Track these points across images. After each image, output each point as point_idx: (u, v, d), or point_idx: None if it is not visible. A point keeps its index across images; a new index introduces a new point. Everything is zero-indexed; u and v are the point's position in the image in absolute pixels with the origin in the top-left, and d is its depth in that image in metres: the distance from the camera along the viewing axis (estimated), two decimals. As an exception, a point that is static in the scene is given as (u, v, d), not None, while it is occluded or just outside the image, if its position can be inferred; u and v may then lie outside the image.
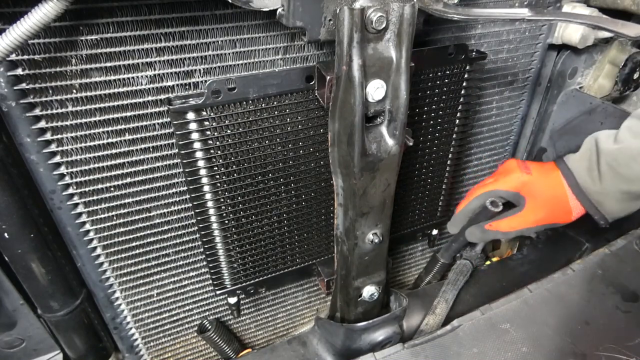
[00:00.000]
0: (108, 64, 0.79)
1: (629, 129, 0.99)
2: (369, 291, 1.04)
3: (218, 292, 1.13)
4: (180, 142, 0.87)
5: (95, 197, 0.93)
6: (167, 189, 0.99)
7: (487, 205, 1.11)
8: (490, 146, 1.43)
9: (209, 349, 1.36)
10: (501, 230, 1.11)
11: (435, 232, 1.41)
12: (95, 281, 1.06)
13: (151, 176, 0.96)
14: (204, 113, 0.85)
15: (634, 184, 1.00)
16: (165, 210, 1.02)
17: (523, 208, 1.09)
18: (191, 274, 1.16)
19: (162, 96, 0.87)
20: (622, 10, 1.16)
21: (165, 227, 1.05)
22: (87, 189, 0.91)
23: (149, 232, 1.03)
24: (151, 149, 0.92)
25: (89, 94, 0.81)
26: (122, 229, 1.00)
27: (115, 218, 0.98)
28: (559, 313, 0.94)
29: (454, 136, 1.19)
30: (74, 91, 0.80)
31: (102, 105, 0.83)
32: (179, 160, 0.94)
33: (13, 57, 0.72)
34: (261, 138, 0.93)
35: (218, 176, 0.94)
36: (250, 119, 0.90)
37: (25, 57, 0.73)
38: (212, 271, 1.09)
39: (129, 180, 0.94)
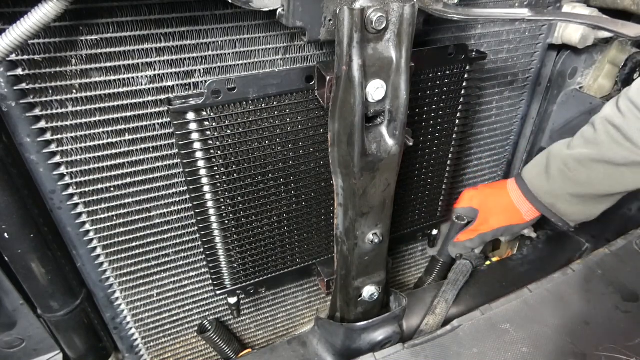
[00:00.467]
0: (108, 64, 0.79)
1: (581, 135, 1.09)
2: (369, 291, 1.04)
3: (218, 292, 1.13)
4: (180, 142, 0.87)
5: (95, 197, 0.93)
6: (167, 189, 0.99)
7: (454, 220, 1.34)
8: (490, 146, 1.43)
9: (209, 349, 1.36)
10: (461, 240, 1.33)
11: (435, 232, 1.41)
12: (95, 281, 1.06)
13: (151, 176, 0.96)
14: (204, 113, 0.85)
15: (583, 187, 1.10)
16: (165, 210, 1.02)
17: (476, 219, 1.31)
18: (191, 274, 1.16)
19: (162, 96, 0.87)
20: (622, 10, 1.16)
21: (165, 227, 1.05)
22: (87, 189, 0.91)
23: (149, 232, 1.03)
24: (151, 149, 0.92)
25: (89, 94, 0.81)
26: (122, 229, 1.00)
27: (115, 218, 0.98)
28: (559, 313, 0.94)
29: (454, 136, 1.19)
30: (74, 91, 0.80)
31: (102, 105, 0.83)
32: (179, 160, 0.94)
33: (13, 57, 0.72)
34: (261, 138, 0.93)
35: (218, 176, 0.94)
36: (250, 119, 0.90)
37: (25, 57, 0.73)
38: (212, 271, 1.09)
39: (129, 180, 0.94)
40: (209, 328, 1.25)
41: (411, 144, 0.87)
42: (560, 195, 1.15)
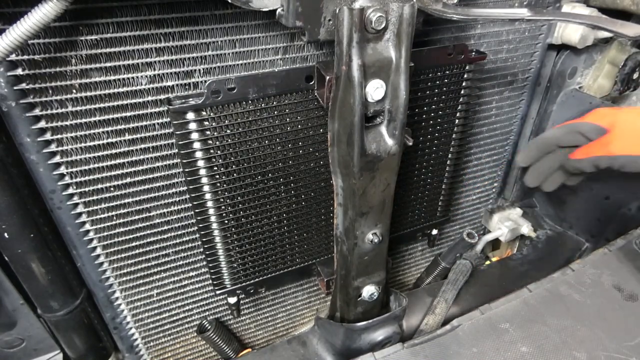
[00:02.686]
0: (108, 64, 0.80)
1: None
2: (369, 291, 1.04)
3: (218, 292, 1.13)
4: (180, 142, 0.87)
5: (95, 197, 0.93)
6: (167, 189, 0.99)
7: (464, 237, 1.24)
8: (490, 146, 1.43)
9: (209, 349, 1.36)
10: (574, 158, 1.03)
11: (435, 232, 1.41)
12: (95, 281, 1.06)
13: (151, 176, 0.96)
14: (204, 113, 0.86)
15: None
16: (165, 210, 1.02)
17: (599, 139, 1.00)
18: (191, 274, 1.16)
19: (162, 96, 0.87)
20: (621, 10, 1.16)
21: (165, 227, 1.05)
22: (87, 189, 0.91)
23: (149, 232, 1.03)
24: (151, 149, 0.92)
25: (88, 94, 0.81)
26: (122, 229, 1.00)
27: (115, 218, 0.98)
28: (558, 313, 0.94)
29: (454, 136, 1.19)
30: (74, 91, 0.80)
31: (102, 105, 0.83)
32: (179, 160, 0.94)
33: (13, 57, 0.72)
34: (261, 138, 0.93)
35: (218, 176, 0.94)
36: (250, 119, 0.90)
37: (25, 57, 0.73)
38: (212, 271, 1.09)
39: (128, 180, 0.94)
40: (209, 328, 1.25)
41: (411, 143, 0.87)
42: None
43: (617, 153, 0.97)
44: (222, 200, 0.97)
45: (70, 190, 0.90)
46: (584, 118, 1.03)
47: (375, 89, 0.77)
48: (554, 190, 1.12)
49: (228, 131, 0.89)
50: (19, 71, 0.74)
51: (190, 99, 0.85)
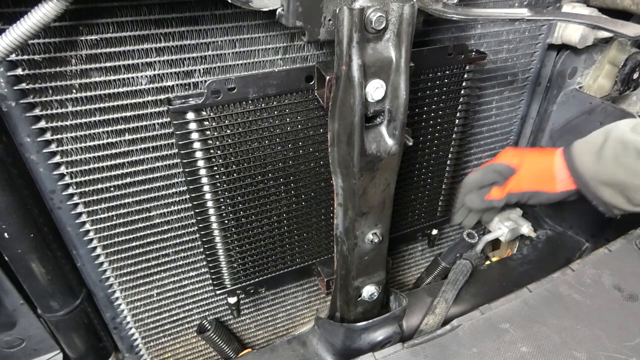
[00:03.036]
0: (108, 64, 0.80)
1: None
2: (369, 291, 1.04)
3: (218, 292, 1.13)
4: (180, 142, 0.87)
5: (95, 197, 0.93)
6: (167, 189, 0.99)
7: (464, 237, 1.28)
8: (490, 146, 1.43)
9: (209, 349, 1.36)
10: (492, 197, 1.23)
11: (435, 232, 1.41)
12: (95, 281, 1.06)
13: (151, 176, 0.96)
14: (204, 113, 0.86)
15: (635, 177, 0.99)
16: (165, 210, 1.02)
17: (509, 179, 1.20)
18: (191, 274, 1.16)
19: (162, 96, 0.87)
20: (621, 10, 1.16)
21: (165, 227, 1.05)
22: (87, 189, 0.91)
23: (149, 232, 1.03)
24: (151, 149, 0.92)
25: (88, 94, 0.81)
26: (122, 229, 1.00)
27: (115, 218, 0.98)
28: (558, 313, 0.94)
29: (454, 136, 1.19)
30: (74, 91, 0.80)
31: (102, 105, 0.83)
32: (179, 160, 0.94)
33: (13, 57, 0.72)
34: (261, 138, 0.93)
35: (218, 176, 0.94)
36: (250, 119, 0.90)
37: (25, 57, 0.73)
38: (212, 271, 1.09)
39: (128, 180, 0.94)
40: (209, 328, 1.25)
41: (411, 143, 0.87)
42: (605, 178, 1.04)
43: (525, 189, 1.18)
44: (222, 200, 0.97)
45: (70, 190, 0.90)
46: (497, 159, 1.23)
47: (375, 89, 0.77)
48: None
49: (228, 131, 0.89)
50: (19, 71, 0.74)
51: (190, 99, 0.84)
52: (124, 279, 1.08)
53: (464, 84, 1.10)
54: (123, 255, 1.04)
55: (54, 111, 0.80)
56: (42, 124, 0.80)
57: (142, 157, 0.92)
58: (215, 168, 0.93)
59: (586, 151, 1.08)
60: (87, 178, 0.90)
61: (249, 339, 1.44)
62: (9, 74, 0.73)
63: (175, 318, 1.23)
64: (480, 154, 1.43)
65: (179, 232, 1.07)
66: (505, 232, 1.51)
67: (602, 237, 1.40)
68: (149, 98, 0.86)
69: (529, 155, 1.21)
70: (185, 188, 0.99)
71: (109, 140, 0.87)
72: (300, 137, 0.97)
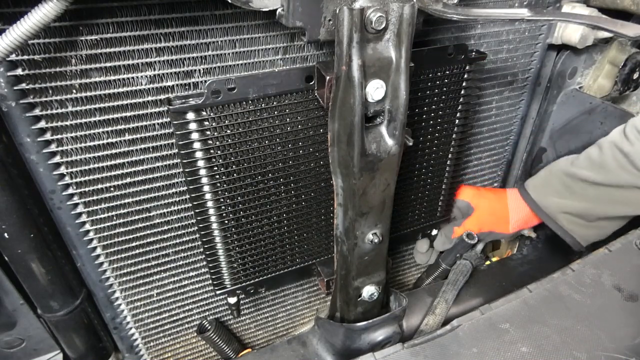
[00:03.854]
0: (108, 64, 0.79)
1: (588, 157, 1.12)
2: (369, 291, 1.04)
3: (218, 292, 1.13)
4: (180, 142, 0.87)
5: (95, 197, 0.93)
6: (167, 189, 0.99)
7: (463, 238, 1.32)
8: (490, 146, 1.43)
9: (209, 349, 1.36)
10: (456, 235, 1.35)
11: (435, 232, 1.41)
12: (95, 281, 1.06)
13: (151, 176, 0.96)
14: (204, 113, 0.86)
15: (587, 207, 1.13)
16: (165, 210, 1.02)
17: (470, 215, 1.34)
18: (191, 274, 1.16)
19: (162, 96, 0.87)
20: (621, 10, 1.16)
21: (165, 227, 1.05)
22: (87, 189, 0.91)
23: (149, 232, 1.03)
24: (151, 149, 0.92)
25: (88, 94, 0.81)
26: (122, 229, 1.00)
27: (115, 218, 0.98)
28: (558, 313, 0.94)
29: (454, 136, 1.19)
30: (74, 91, 0.80)
31: (102, 105, 0.83)
32: (179, 160, 0.94)
33: (13, 57, 0.72)
34: (261, 138, 0.93)
35: (218, 176, 0.94)
36: (250, 119, 0.90)
37: (25, 57, 0.73)
38: (212, 271, 1.09)
39: (128, 180, 0.94)
40: (209, 328, 1.25)
41: (411, 143, 0.87)
42: (564, 210, 1.18)
43: (483, 230, 1.33)
44: (222, 200, 0.97)
45: (70, 190, 0.90)
46: (458, 195, 1.36)
47: (376, 89, 0.77)
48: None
49: (228, 131, 0.89)
50: (19, 71, 0.74)
51: (191, 99, 0.84)
52: (124, 279, 1.08)
53: (464, 84, 1.10)
54: (123, 255, 1.04)
55: (54, 111, 0.80)
56: (42, 124, 0.80)
57: (142, 157, 0.92)
58: (215, 168, 0.93)
59: (540, 187, 1.22)
60: (87, 178, 0.90)
61: (249, 339, 1.44)
62: (9, 74, 0.73)
63: (175, 318, 1.23)
64: (480, 154, 1.43)
65: (179, 232, 1.07)
66: (505, 232, 1.52)
67: (602, 237, 1.40)
68: (149, 98, 0.86)
69: (484, 195, 1.34)
70: (185, 188, 0.99)
71: (109, 140, 0.87)
72: (300, 137, 0.97)
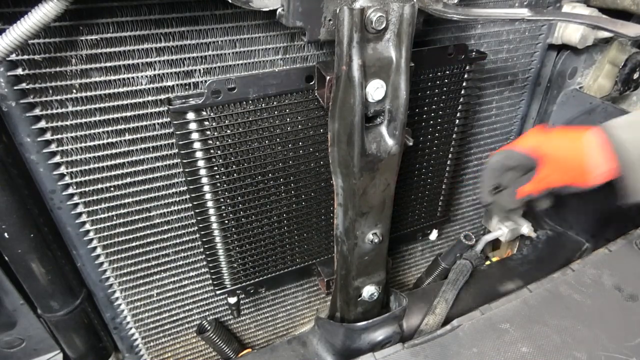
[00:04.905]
0: (108, 64, 0.79)
1: None
2: (369, 291, 1.04)
3: (218, 292, 1.13)
4: (180, 142, 0.87)
5: (95, 197, 0.93)
6: (167, 189, 0.99)
7: (461, 239, 1.25)
8: (490, 146, 1.43)
9: (209, 349, 1.36)
10: (524, 193, 1.03)
11: (434, 232, 1.41)
12: (95, 281, 1.06)
13: (151, 176, 0.96)
14: (204, 113, 0.86)
15: None
16: (165, 210, 1.02)
17: (535, 173, 1.01)
18: (191, 274, 1.16)
19: (162, 96, 0.87)
20: (621, 10, 1.16)
21: (165, 227, 1.05)
22: (87, 189, 0.91)
23: (149, 232, 1.03)
24: (151, 149, 0.92)
25: (89, 94, 0.81)
26: (122, 229, 1.00)
27: (115, 218, 0.98)
28: (558, 313, 0.94)
29: (454, 136, 1.19)
30: (74, 91, 0.80)
31: (102, 105, 0.83)
32: (179, 160, 0.94)
33: (13, 57, 0.72)
34: (261, 138, 0.93)
35: (218, 176, 0.94)
36: (250, 119, 0.90)
37: (25, 57, 0.73)
38: (212, 271, 1.09)
39: (129, 180, 0.94)
40: (209, 328, 1.25)
41: (411, 143, 0.87)
42: None
43: (554, 185, 1.00)
44: (222, 200, 0.97)
45: (70, 190, 0.90)
46: (517, 144, 1.03)
47: (376, 89, 0.77)
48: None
49: (228, 131, 0.89)
50: (19, 71, 0.74)
51: (191, 99, 0.84)
52: (124, 279, 1.08)
53: (464, 84, 1.10)
54: (123, 255, 1.04)
55: (54, 111, 0.80)
56: (42, 124, 0.80)
57: (142, 157, 0.92)
58: (216, 168, 0.93)
59: (627, 127, 0.92)
60: (87, 178, 0.90)
61: (249, 339, 1.44)
62: (9, 74, 0.73)
63: (175, 318, 1.23)
64: (480, 154, 1.43)
65: (179, 232, 1.07)
66: (505, 232, 1.52)
67: (602, 237, 1.40)
68: (149, 98, 0.86)
69: (555, 141, 1.00)
70: (185, 188, 0.99)
71: (109, 140, 0.87)
72: (301, 137, 0.97)
